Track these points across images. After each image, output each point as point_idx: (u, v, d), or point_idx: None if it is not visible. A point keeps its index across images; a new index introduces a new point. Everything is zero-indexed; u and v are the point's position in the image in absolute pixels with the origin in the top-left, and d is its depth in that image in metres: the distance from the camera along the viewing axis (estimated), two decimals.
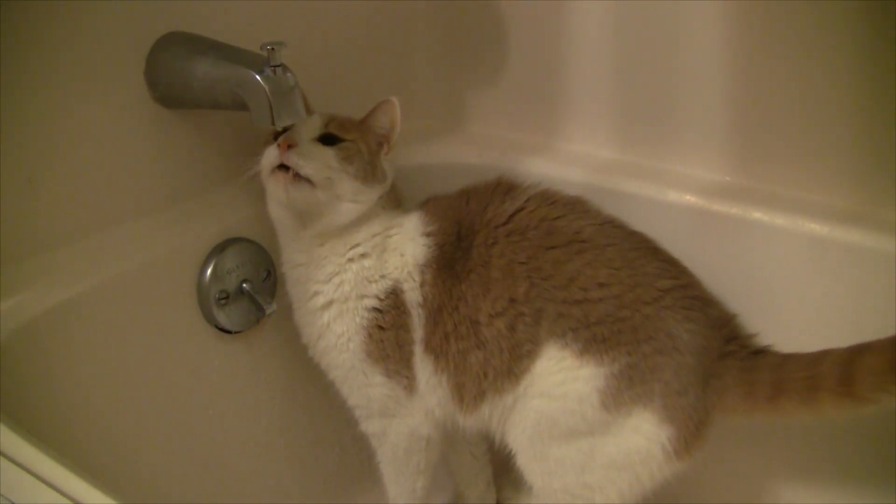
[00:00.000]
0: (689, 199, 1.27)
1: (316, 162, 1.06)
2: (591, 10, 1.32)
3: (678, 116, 1.30)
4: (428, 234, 1.14)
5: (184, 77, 1.11)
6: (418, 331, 1.13)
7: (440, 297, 1.11)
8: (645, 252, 1.11)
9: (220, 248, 1.21)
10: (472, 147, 1.47)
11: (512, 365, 1.07)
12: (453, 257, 1.11)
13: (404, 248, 1.14)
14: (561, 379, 1.04)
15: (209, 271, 1.20)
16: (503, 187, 1.16)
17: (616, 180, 1.32)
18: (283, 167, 1.05)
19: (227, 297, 1.22)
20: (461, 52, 1.51)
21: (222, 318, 1.22)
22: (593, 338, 1.03)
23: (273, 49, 1.01)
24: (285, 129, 1.09)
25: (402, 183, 1.21)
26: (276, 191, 1.08)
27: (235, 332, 1.24)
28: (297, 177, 1.06)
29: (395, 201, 1.18)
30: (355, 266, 1.12)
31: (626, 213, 1.20)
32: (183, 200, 1.22)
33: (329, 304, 1.13)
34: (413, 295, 1.13)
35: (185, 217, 1.21)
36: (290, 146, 1.05)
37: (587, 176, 1.34)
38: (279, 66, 1.01)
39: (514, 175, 1.20)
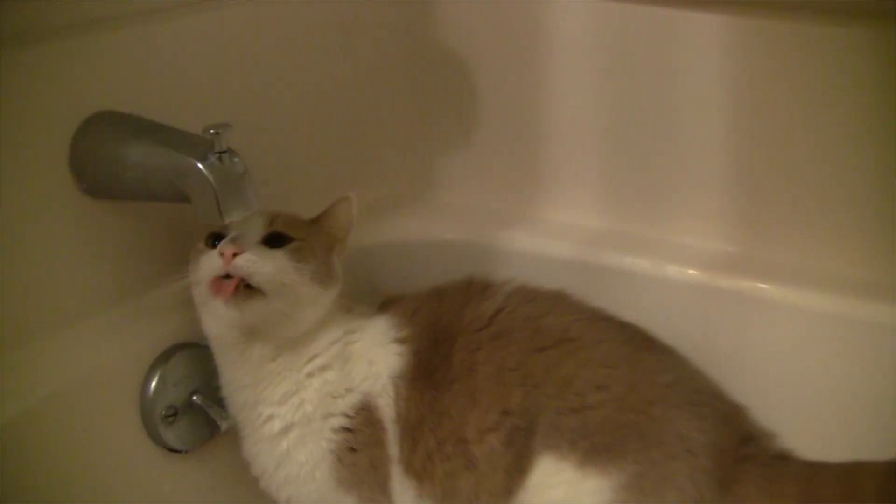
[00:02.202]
0: (692, 273, 1.17)
1: (268, 268, 0.93)
2: (575, 64, 1.21)
3: (674, 181, 1.20)
4: (400, 341, 1.02)
5: (114, 165, 0.97)
6: (394, 449, 1.00)
7: (419, 410, 0.99)
8: (640, 344, 1.02)
9: (164, 357, 1.05)
10: (444, 220, 1.33)
11: (510, 484, 0.96)
12: (431, 366, 1.00)
13: (372, 356, 1.01)
14: (562, 494, 0.94)
15: (153, 385, 1.04)
16: (477, 286, 1.06)
17: (608, 255, 1.22)
18: (226, 276, 0.91)
19: (174, 414, 1.07)
20: (427, 111, 1.37)
21: (171, 437, 1.07)
22: (594, 447, 0.93)
23: (218, 133, 0.88)
24: (216, 234, 0.96)
25: (364, 266, 1.11)
26: (220, 306, 0.94)
27: (186, 452, 1.10)
28: (247, 287, 0.92)
29: (347, 304, 1.05)
30: (316, 381, 0.99)
31: (622, 291, 1.13)
32: (118, 304, 1.07)
33: (287, 428, 0.99)
34: (388, 410, 1.00)
35: (122, 323, 1.05)
36: (235, 253, 0.91)
37: (576, 250, 1.23)
38: (225, 151, 0.89)
39: (485, 274, 1.10)
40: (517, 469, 0.95)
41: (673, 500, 0.91)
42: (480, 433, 0.96)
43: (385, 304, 1.08)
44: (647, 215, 1.23)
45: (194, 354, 1.07)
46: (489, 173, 1.34)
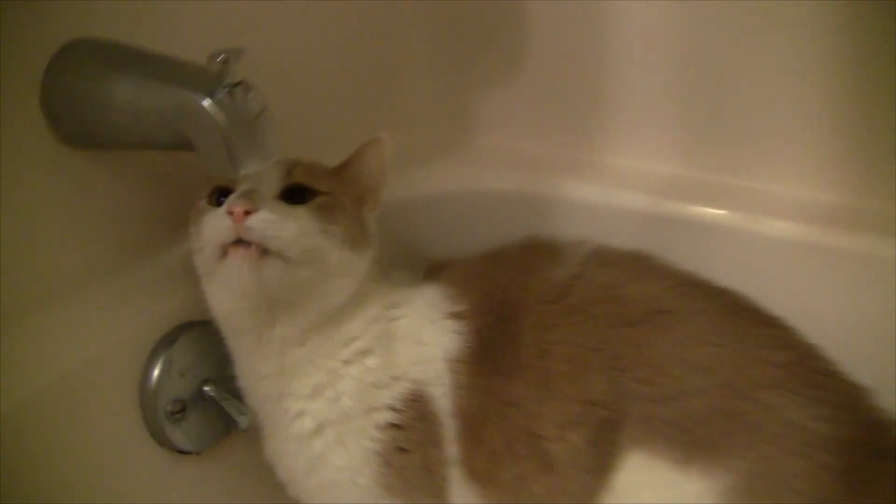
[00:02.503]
0: (791, 227, 1.02)
1: (288, 230, 0.79)
2: None
3: (765, 120, 1.05)
4: (457, 316, 0.89)
5: (97, 106, 0.82)
6: (453, 448, 0.88)
7: (482, 402, 0.87)
8: (745, 316, 0.90)
9: (168, 340, 0.91)
10: (489, 167, 1.17)
11: (593, 487, 0.85)
12: (496, 347, 0.88)
13: (422, 335, 0.89)
14: (655, 497, 0.83)
15: (155, 375, 0.89)
16: (543, 249, 0.95)
17: (687, 206, 1.06)
18: (240, 242, 0.78)
19: (182, 409, 0.92)
20: (467, 41, 1.21)
21: (178, 437, 0.92)
22: (694, 442, 0.82)
23: (227, 60, 0.73)
24: (222, 189, 0.83)
25: (397, 225, 0.96)
26: (234, 277, 0.79)
27: (198, 454, 0.95)
28: (265, 253, 0.78)
29: (384, 269, 0.93)
30: (355, 369, 0.86)
31: (705, 249, 1.00)
32: (109, 276, 0.90)
33: (321, 427, 0.86)
34: (444, 401, 0.87)
35: (114, 300, 0.89)
36: (247, 212, 0.77)
37: (649, 201, 1.08)
38: (238, 84, 0.74)
39: (546, 232, 0.98)
40: (601, 469, 0.84)
41: None
42: (559, 428, 0.84)
43: (431, 272, 0.97)
44: (730, 158, 1.09)
45: (205, 335, 0.92)
46: (539, 113, 1.19)
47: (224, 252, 0.79)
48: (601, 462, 0.84)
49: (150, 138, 0.82)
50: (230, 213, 0.77)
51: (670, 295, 0.89)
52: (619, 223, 1.06)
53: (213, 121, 0.73)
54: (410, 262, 0.99)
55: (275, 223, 0.78)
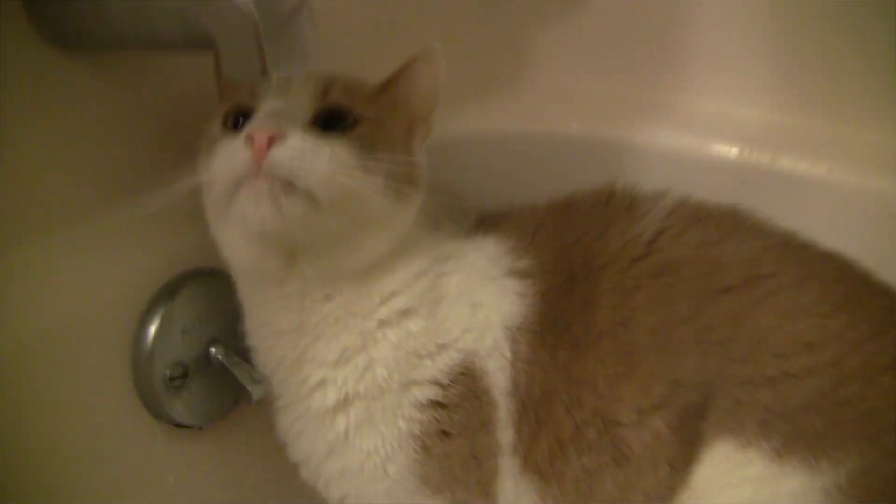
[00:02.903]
0: None
1: (322, 164, 0.67)
2: None
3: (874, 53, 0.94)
4: (520, 274, 0.78)
5: None
6: (507, 433, 0.76)
7: (547, 379, 0.76)
8: (857, 283, 0.80)
9: (168, 292, 0.79)
10: (548, 106, 1.07)
11: (673, 482, 0.76)
12: (566, 313, 0.77)
13: (477, 295, 0.78)
14: (748, 495, 0.74)
15: (152, 334, 0.77)
16: (621, 199, 0.84)
17: (782, 156, 0.96)
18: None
19: (184, 375, 0.79)
20: None
21: (178, 408, 0.80)
22: (798, 432, 0.73)
23: None
24: (241, 110, 0.71)
25: (445, 169, 0.82)
26: (250, 213, 0.66)
27: (201, 429, 0.83)
28: (290, 187, 0.65)
29: (433, 216, 0.80)
30: (393, 332, 0.75)
31: (802, 208, 0.91)
32: (97, 211, 0.78)
33: (347, 401, 0.75)
34: (500, 377, 0.76)
35: (105, 241, 0.78)
36: (272, 140, 0.64)
37: (737, 149, 0.97)
38: None
39: (627, 179, 0.86)
40: (683, 461, 0.75)
41: None
42: (640, 413, 0.74)
43: (483, 224, 0.84)
44: (832, 106, 0.99)
45: (213, 286, 0.82)
46: (608, 47, 1.09)
47: (240, 182, 0.65)
48: (684, 453, 0.74)
49: (157, 35, 0.68)
50: (250, 139, 0.64)
51: (771, 257, 0.79)
52: (701, 174, 0.95)
53: (243, 11, 0.60)
54: (459, 212, 0.87)
55: (306, 155, 0.65)
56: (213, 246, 0.74)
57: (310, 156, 0.65)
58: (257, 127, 0.65)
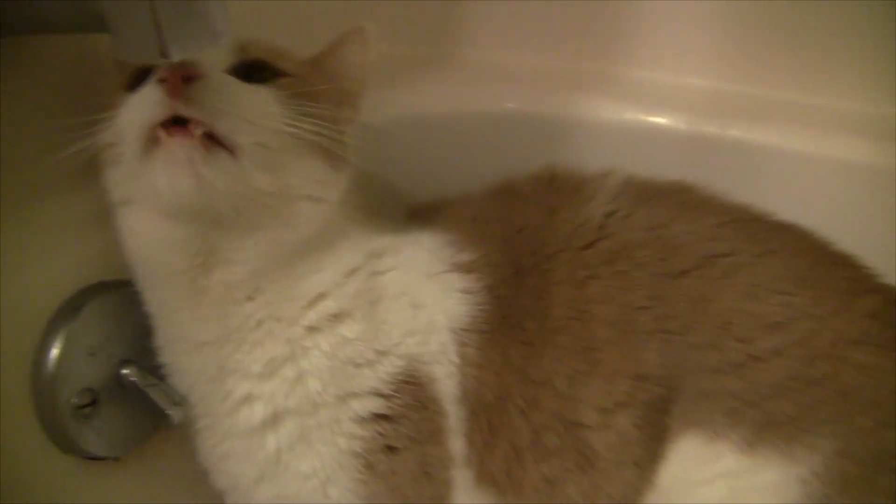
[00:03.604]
0: (857, 145, 0.89)
1: (247, 103, 0.61)
2: None
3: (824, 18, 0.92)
4: (464, 268, 0.73)
5: None
6: (459, 444, 0.71)
7: (500, 383, 0.71)
8: (817, 255, 0.77)
9: (70, 309, 0.71)
10: (487, 83, 1.00)
11: (639, 483, 0.73)
12: (516, 308, 0.72)
13: (418, 294, 0.72)
14: (722, 493, 0.71)
15: (53, 357, 0.69)
16: (565, 182, 0.80)
17: (733, 126, 0.92)
18: (177, 123, 0.58)
19: (94, 401, 0.71)
20: None
21: (89, 439, 0.71)
22: (770, 419, 0.70)
23: None
24: (143, 71, 0.63)
25: (373, 154, 0.76)
26: (164, 177, 0.59)
27: (115, 459, 0.75)
28: (210, 143, 0.58)
29: (362, 209, 0.75)
30: (325, 340, 0.68)
31: (757, 177, 0.90)
32: None
33: (277, 417, 0.68)
34: (448, 383, 0.70)
35: None
36: (188, 77, 0.57)
37: (684, 120, 0.93)
38: None
39: (570, 158, 0.82)
40: (649, 460, 0.72)
41: (889, 487, 0.69)
42: (604, 413, 0.70)
43: (416, 216, 0.79)
44: (782, 71, 0.95)
45: (120, 302, 0.73)
46: (544, 19, 1.03)
47: (153, 141, 0.58)
48: (650, 452, 0.71)
49: (43, 16, 0.60)
50: (163, 79, 0.56)
51: (725, 234, 0.75)
52: (649, 147, 0.92)
53: None
54: (389, 204, 0.81)
55: (228, 93, 0.59)
56: (119, 253, 0.66)
57: (233, 93, 0.59)
58: (171, 66, 0.56)
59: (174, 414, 0.70)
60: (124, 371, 0.73)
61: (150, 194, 0.60)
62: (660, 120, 0.93)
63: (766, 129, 0.91)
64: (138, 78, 0.62)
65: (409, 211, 0.82)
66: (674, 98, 0.96)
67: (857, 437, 0.69)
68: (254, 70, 0.65)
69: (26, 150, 0.70)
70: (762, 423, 0.70)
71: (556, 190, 0.79)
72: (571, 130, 0.95)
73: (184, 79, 0.56)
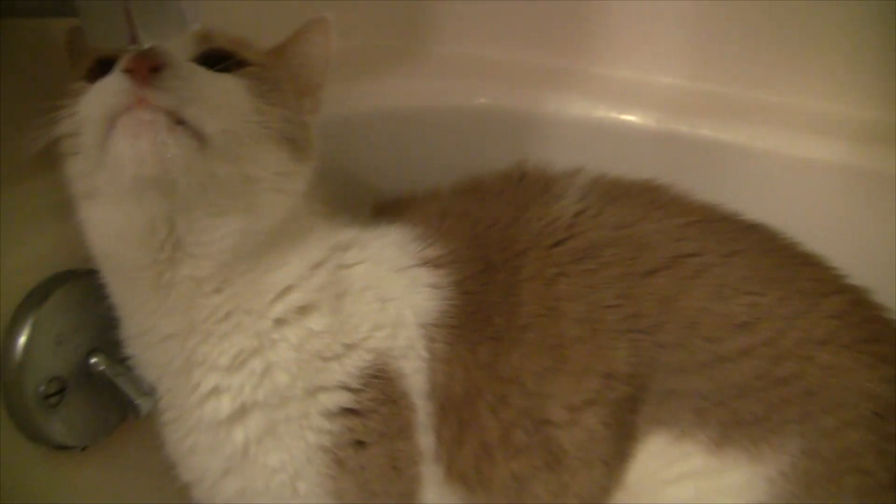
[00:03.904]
0: (825, 145, 0.88)
1: (214, 91, 0.60)
2: None
3: (796, 18, 0.91)
4: (432, 263, 0.72)
5: None
6: (428, 439, 0.70)
7: (468, 378, 0.70)
8: (784, 255, 0.77)
9: (37, 298, 0.69)
10: (455, 78, 0.98)
11: (606, 482, 0.72)
12: (485, 304, 0.71)
13: (386, 288, 0.71)
14: (689, 494, 0.71)
15: (20, 345, 0.68)
16: (535, 179, 0.80)
17: (702, 124, 0.91)
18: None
19: (61, 390, 0.70)
20: None
21: (56, 428, 0.70)
22: (736, 419, 0.70)
23: None
24: (105, 61, 0.62)
25: (338, 149, 0.77)
26: (126, 151, 0.57)
27: (83, 449, 0.73)
28: (178, 124, 0.57)
29: (326, 203, 0.74)
30: (292, 332, 0.67)
31: (726, 177, 0.89)
32: None
33: (244, 410, 0.67)
34: (417, 378, 0.69)
35: None
36: (154, 67, 0.56)
37: (653, 118, 0.92)
38: None
39: (539, 154, 0.82)
40: (617, 459, 0.72)
41: (854, 487, 0.70)
42: (572, 410, 0.70)
43: (382, 212, 0.78)
44: (750, 71, 0.94)
45: (88, 289, 0.70)
46: (513, 17, 1.00)
47: (114, 123, 0.56)
48: (618, 451, 0.71)
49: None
50: (128, 69, 0.55)
51: (694, 233, 0.75)
52: (618, 144, 0.91)
53: None
54: (354, 198, 0.79)
55: (195, 81, 0.58)
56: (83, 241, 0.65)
57: (200, 81, 0.58)
58: (137, 55, 0.55)
59: (143, 404, 0.69)
60: (92, 360, 0.72)
61: (111, 170, 0.58)
62: (630, 118, 0.92)
63: (736, 128, 0.90)
64: (100, 68, 0.60)
65: (376, 206, 0.80)
66: (645, 96, 0.95)
67: (821, 436, 0.69)
68: (217, 59, 0.63)
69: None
70: (729, 422, 0.69)
71: (525, 187, 0.78)
72: (542, 126, 0.93)
73: (150, 68, 0.55)
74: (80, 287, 0.71)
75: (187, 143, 0.57)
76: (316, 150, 0.70)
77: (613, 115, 0.92)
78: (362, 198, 0.80)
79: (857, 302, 0.75)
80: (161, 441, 0.70)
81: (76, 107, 0.58)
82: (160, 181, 0.57)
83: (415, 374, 0.68)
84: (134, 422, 0.74)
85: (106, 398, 0.72)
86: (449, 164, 0.80)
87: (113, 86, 0.56)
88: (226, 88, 0.60)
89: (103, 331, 0.71)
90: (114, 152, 0.56)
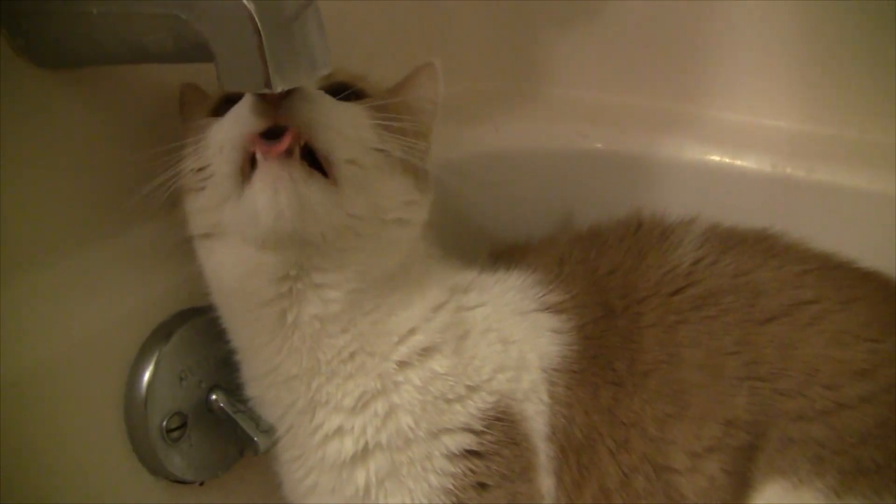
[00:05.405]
0: None
1: (345, 118, 0.61)
2: None
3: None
4: (554, 308, 0.72)
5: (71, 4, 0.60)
6: (548, 480, 0.69)
7: (589, 422, 0.69)
8: None
9: (162, 335, 0.71)
10: (568, 122, 0.96)
11: None
12: (606, 349, 0.71)
13: (508, 330, 0.71)
14: None
15: (145, 381, 0.69)
16: (651, 228, 0.79)
17: (824, 170, 0.88)
18: (272, 137, 0.57)
19: (183, 425, 0.71)
20: None
21: (177, 462, 0.71)
22: (856, 467, 0.67)
23: None
24: (229, 98, 0.63)
25: (447, 193, 0.75)
26: (264, 199, 0.58)
27: (201, 484, 0.74)
28: (308, 166, 0.59)
29: (442, 246, 0.75)
30: (417, 375, 0.67)
31: (845, 221, 0.86)
32: (80, 246, 0.69)
33: (367, 452, 0.67)
34: (538, 421, 0.69)
35: (86, 279, 0.69)
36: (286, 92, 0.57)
37: (775, 164, 0.89)
38: None
39: (653, 198, 0.83)
40: None
41: None
42: (694, 457, 0.69)
43: (498, 258, 0.78)
44: (868, 115, 0.91)
45: (210, 327, 0.72)
46: (628, 60, 1.00)
47: (249, 165, 0.58)
48: (736, 499, 0.69)
49: (146, 47, 0.59)
50: (261, 95, 0.56)
51: (811, 281, 0.74)
52: (732, 189, 0.89)
53: (246, 15, 0.52)
54: (467, 242, 0.79)
55: (323, 105, 0.59)
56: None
57: (328, 106, 0.59)
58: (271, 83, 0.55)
59: (260, 442, 0.69)
60: (213, 396, 0.73)
61: (245, 218, 0.59)
62: (745, 163, 0.90)
63: (853, 172, 0.88)
64: (225, 104, 0.62)
65: (492, 252, 0.80)
66: (759, 140, 0.93)
67: None
68: (339, 91, 0.64)
69: (118, 180, 0.70)
70: (850, 470, 0.67)
71: (643, 235, 0.78)
72: (656, 171, 0.93)
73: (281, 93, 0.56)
74: (202, 324, 0.72)
75: (322, 190, 0.58)
76: (432, 184, 0.70)
77: (728, 160, 0.91)
78: (476, 242, 0.80)
79: None
80: (278, 480, 0.71)
81: (206, 139, 0.60)
82: (294, 229, 0.59)
83: (536, 417, 0.68)
84: (251, 459, 0.74)
85: (225, 434, 0.73)
86: (562, 209, 0.80)
87: (247, 108, 0.57)
88: (352, 114, 0.62)
89: (224, 368, 0.72)
90: (252, 206, 0.58)
